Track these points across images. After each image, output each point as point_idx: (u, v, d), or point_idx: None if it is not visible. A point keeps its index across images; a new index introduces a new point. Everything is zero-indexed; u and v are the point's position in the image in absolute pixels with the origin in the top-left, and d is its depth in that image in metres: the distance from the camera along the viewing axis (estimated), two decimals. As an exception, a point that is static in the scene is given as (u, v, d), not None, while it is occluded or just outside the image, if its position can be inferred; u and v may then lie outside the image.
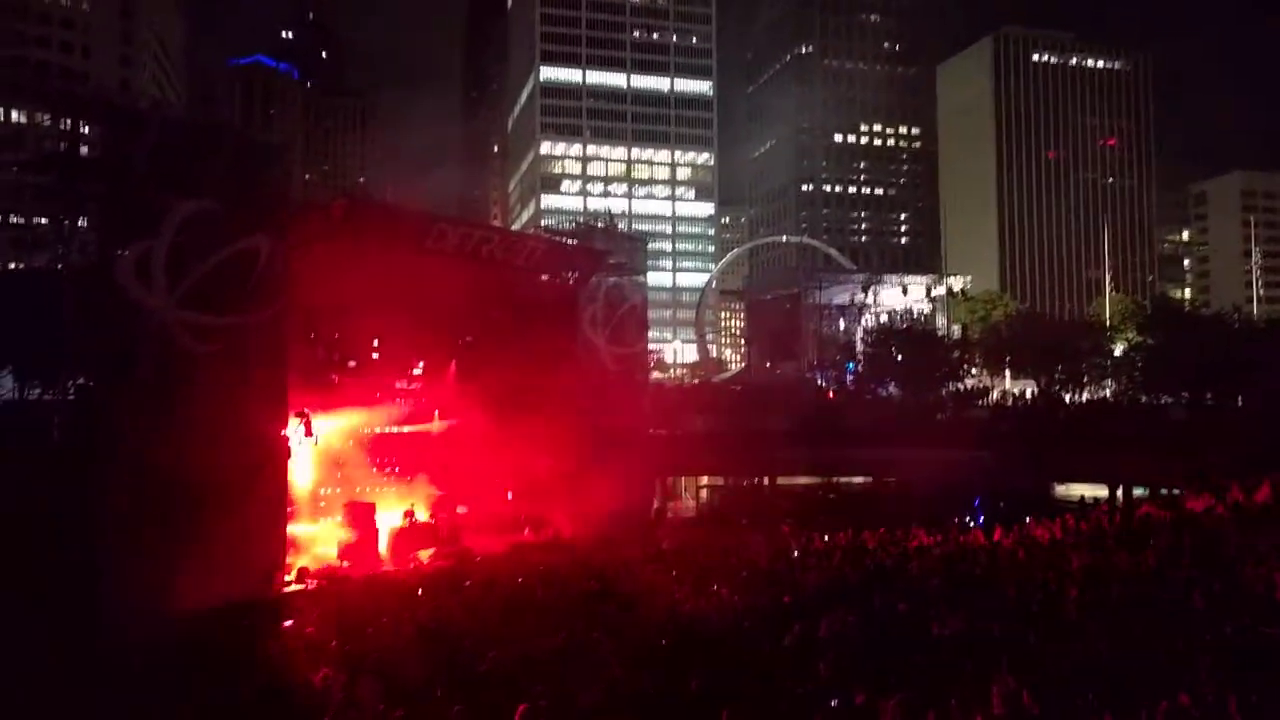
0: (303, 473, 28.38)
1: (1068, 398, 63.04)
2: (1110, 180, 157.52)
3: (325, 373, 30.30)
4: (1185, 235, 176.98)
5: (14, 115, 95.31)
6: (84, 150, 25.54)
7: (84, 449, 20.98)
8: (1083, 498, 42.71)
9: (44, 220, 29.34)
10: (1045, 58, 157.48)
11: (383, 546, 28.35)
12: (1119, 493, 42.09)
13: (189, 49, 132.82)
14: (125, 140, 22.30)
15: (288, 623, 18.12)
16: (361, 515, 28.38)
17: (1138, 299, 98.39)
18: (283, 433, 24.93)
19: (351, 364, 32.08)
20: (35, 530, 19.69)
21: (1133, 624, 11.25)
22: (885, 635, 12.11)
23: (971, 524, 29.33)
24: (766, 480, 47.56)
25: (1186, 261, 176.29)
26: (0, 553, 18.68)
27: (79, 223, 24.18)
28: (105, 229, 22.50)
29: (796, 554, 23.34)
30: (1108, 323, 76.94)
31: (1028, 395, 66.93)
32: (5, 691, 12.37)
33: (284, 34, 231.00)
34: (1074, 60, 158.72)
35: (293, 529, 26.55)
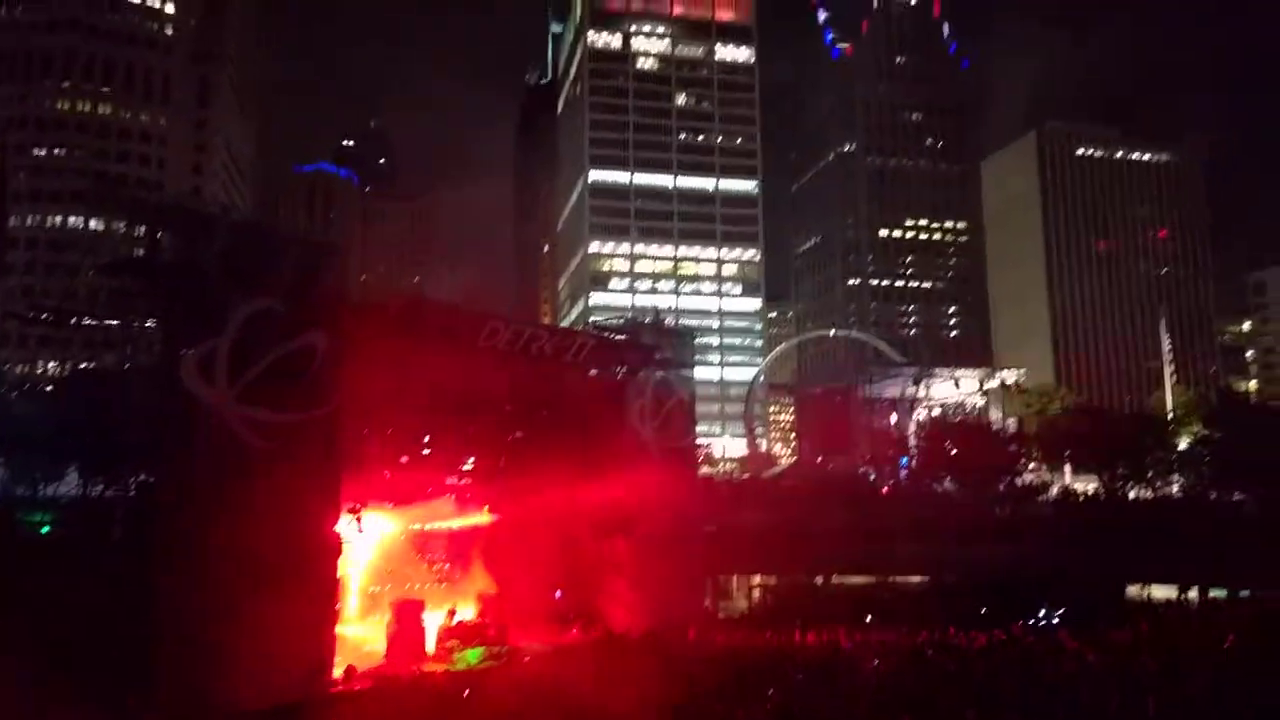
0: (353, 568, 28.36)
1: (1132, 494, 60.82)
2: (1164, 271, 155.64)
3: (378, 467, 30.53)
4: (1246, 325, 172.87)
5: (92, 224, 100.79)
6: (157, 255, 26.73)
7: (143, 543, 21.31)
8: (1151, 598, 40.80)
9: (115, 322, 30.56)
10: (1090, 152, 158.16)
11: (430, 645, 27.99)
12: (1193, 594, 40.13)
13: (256, 157, 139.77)
14: (195, 244, 23.36)
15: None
16: (409, 613, 28.13)
17: (1201, 390, 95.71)
18: (335, 528, 25.05)
19: (404, 459, 32.28)
20: (94, 621, 19.89)
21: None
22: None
23: (1042, 625, 28.14)
24: (820, 579, 46.23)
25: (1250, 352, 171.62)
26: (61, 642, 18.86)
27: (147, 323, 25.15)
28: (172, 328, 23.36)
29: (853, 657, 22.51)
30: (1170, 416, 74.60)
31: (1089, 491, 64.72)
32: None
33: (345, 142, 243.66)
34: (1119, 154, 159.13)
35: (341, 626, 26.39)
